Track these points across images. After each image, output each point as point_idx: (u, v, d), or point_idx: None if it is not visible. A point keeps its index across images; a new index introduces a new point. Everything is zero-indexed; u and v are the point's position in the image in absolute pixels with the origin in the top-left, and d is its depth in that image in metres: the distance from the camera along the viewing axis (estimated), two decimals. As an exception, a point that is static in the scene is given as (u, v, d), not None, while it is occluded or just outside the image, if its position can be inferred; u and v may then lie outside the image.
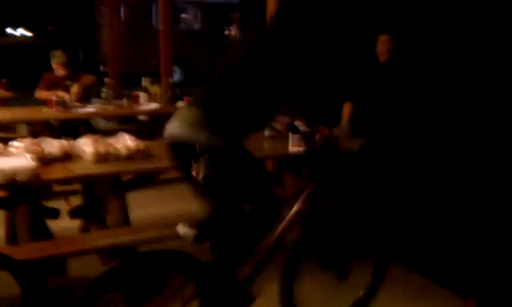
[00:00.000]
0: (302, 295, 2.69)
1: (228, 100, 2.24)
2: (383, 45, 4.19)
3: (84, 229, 3.60)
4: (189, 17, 14.08)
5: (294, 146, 3.68)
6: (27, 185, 2.88)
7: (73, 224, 3.67)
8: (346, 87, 4.48)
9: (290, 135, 3.69)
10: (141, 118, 6.21)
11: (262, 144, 3.88)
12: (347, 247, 2.80)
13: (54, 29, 20.30)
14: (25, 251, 2.78)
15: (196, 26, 14.08)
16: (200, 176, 2.14)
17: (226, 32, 14.34)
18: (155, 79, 6.36)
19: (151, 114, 5.82)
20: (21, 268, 2.57)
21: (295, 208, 2.59)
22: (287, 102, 2.40)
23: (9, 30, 22.40)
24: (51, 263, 2.96)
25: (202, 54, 13.55)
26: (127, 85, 7.60)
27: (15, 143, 3.31)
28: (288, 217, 2.57)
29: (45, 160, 3.19)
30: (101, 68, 12.36)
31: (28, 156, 3.03)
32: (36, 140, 3.39)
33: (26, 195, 3.03)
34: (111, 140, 3.44)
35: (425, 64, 4.13)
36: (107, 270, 2.06)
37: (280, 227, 2.54)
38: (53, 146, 3.34)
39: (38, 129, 5.23)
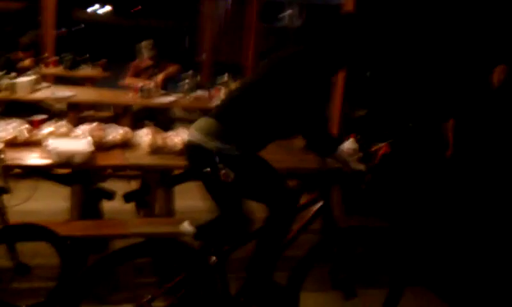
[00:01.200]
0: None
1: (242, 115, 2.39)
2: (498, 74, 4.16)
3: (137, 213, 3.85)
4: (291, 15, 14.21)
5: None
6: (81, 168, 3.14)
7: (131, 206, 3.91)
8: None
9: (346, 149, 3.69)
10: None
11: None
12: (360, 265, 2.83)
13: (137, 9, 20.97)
14: (70, 228, 3.03)
15: (297, 24, 14.18)
16: (230, 178, 2.33)
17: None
18: (237, 74, 6.53)
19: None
20: (62, 242, 2.82)
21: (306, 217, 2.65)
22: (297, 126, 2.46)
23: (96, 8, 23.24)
24: (94, 242, 3.19)
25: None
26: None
27: (82, 126, 3.60)
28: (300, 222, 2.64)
29: (105, 145, 3.46)
30: (202, 56, 12.85)
31: (88, 140, 3.30)
32: (102, 125, 3.66)
33: (81, 176, 3.28)
34: (171, 133, 3.63)
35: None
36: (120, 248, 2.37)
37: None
38: (116, 132, 3.59)
39: (120, 112, 5.60)
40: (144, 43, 6.25)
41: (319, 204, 2.62)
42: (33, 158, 3.11)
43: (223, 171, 2.34)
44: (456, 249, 3.66)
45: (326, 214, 2.62)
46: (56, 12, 7.85)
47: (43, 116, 3.68)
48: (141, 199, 3.77)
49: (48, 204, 3.94)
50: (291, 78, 2.37)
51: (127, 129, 3.62)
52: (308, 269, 2.63)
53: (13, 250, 2.74)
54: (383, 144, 4.29)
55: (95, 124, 3.60)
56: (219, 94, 6.06)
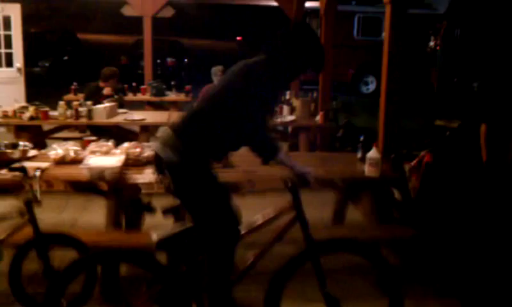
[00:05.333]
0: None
1: (194, 128, 2.50)
2: None
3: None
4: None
5: (370, 170, 3.67)
6: (110, 183, 3.48)
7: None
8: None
9: (367, 158, 3.68)
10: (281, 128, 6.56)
11: (355, 166, 3.91)
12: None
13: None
14: (96, 237, 3.38)
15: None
16: (165, 187, 2.53)
17: (430, 43, 13.76)
18: (298, 93, 6.64)
19: (285, 125, 6.14)
20: (86, 250, 3.15)
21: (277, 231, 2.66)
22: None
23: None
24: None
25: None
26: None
27: (124, 144, 3.96)
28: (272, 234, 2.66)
29: (139, 163, 3.78)
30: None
31: (120, 158, 3.64)
32: (141, 144, 4.00)
33: (113, 190, 3.62)
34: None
35: None
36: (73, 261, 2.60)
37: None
38: (151, 151, 3.90)
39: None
40: (214, 69, 6.60)
41: (291, 215, 2.59)
42: (72, 175, 3.52)
43: (161, 178, 2.51)
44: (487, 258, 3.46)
45: (302, 226, 2.57)
46: (152, 46, 8.62)
47: (93, 138, 4.09)
48: (178, 214, 4.01)
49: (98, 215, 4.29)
50: (242, 88, 2.46)
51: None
52: (285, 281, 2.60)
53: (44, 256, 3.09)
54: (423, 152, 4.20)
55: (132, 143, 3.95)
56: (284, 111, 6.23)
